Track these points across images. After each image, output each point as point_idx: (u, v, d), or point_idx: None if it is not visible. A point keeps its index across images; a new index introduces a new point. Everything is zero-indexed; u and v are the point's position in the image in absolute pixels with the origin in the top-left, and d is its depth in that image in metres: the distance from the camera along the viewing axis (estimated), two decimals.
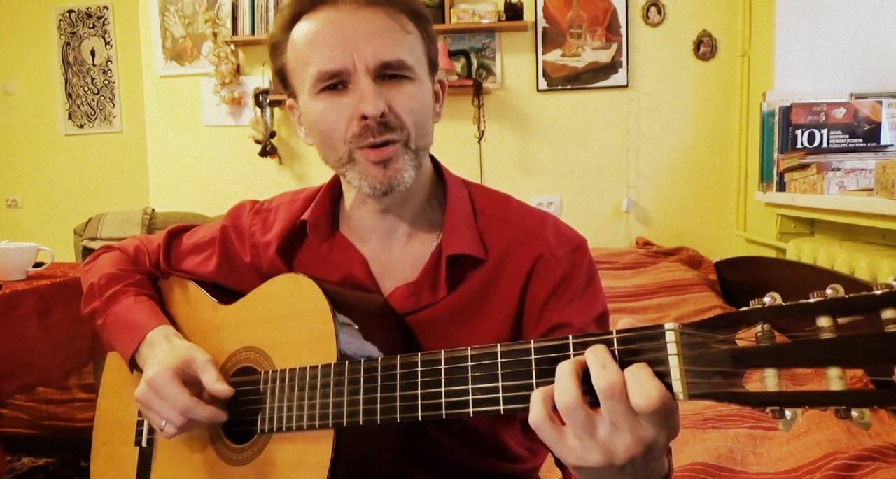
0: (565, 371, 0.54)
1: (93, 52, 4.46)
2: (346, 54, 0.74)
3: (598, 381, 0.52)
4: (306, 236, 0.88)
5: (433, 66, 0.83)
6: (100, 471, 1.00)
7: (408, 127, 0.76)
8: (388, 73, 0.76)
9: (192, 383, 0.81)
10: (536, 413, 0.55)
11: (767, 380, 0.48)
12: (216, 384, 0.80)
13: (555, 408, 0.55)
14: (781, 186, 2.36)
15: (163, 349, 0.85)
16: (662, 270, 2.62)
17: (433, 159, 0.90)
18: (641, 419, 0.52)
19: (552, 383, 0.57)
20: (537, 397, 0.56)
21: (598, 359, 0.53)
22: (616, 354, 0.54)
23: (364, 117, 0.74)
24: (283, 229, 0.90)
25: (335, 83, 0.76)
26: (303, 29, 0.78)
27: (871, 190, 1.81)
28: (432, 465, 0.83)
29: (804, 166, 2.21)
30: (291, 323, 0.80)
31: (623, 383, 0.52)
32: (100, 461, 1.01)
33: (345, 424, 0.71)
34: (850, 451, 1.24)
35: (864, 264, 1.78)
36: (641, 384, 0.51)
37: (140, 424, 0.95)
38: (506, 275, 0.81)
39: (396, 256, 0.86)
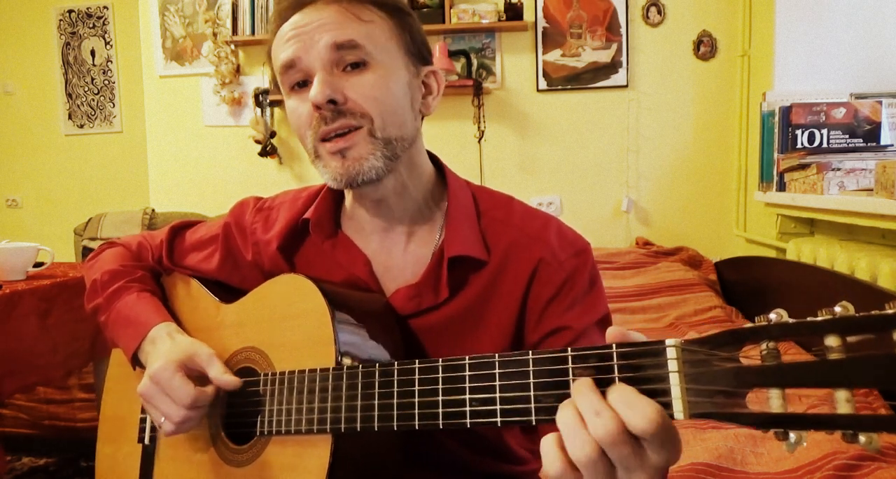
0: (571, 420, 0.51)
1: (93, 52, 4.45)
2: (299, 45, 0.76)
3: (596, 431, 0.50)
4: (308, 235, 0.88)
5: (417, 57, 0.82)
6: (103, 468, 1.00)
7: (370, 114, 0.76)
8: (349, 62, 0.76)
9: (195, 378, 0.81)
10: (557, 467, 0.52)
11: (771, 400, 0.46)
12: (223, 376, 0.80)
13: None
14: (781, 186, 2.36)
15: (166, 345, 0.85)
16: (662, 270, 2.62)
17: (435, 160, 0.89)
18: (649, 451, 0.50)
19: (550, 396, 0.56)
20: (552, 447, 0.52)
21: (590, 406, 0.51)
22: (615, 369, 0.53)
23: (317, 107, 0.75)
24: (285, 227, 0.89)
25: (301, 80, 0.78)
26: (277, 37, 0.80)
27: (871, 190, 1.80)
28: (434, 466, 0.83)
29: (804, 166, 2.21)
30: (291, 324, 0.79)
31: (621, 428, 0.50)
32: (103, 457, 1.01)
33: (342, 429, 0.70)
34: (850, 451, 1.24)
35: (864, 264, 1.77)
36: (636, 409, 0.49)
37: (143, 421, 0.95)
38: (508, 278, 0.80)
39: (397, 256, 0.85)
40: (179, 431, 0.81)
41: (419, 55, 0.83)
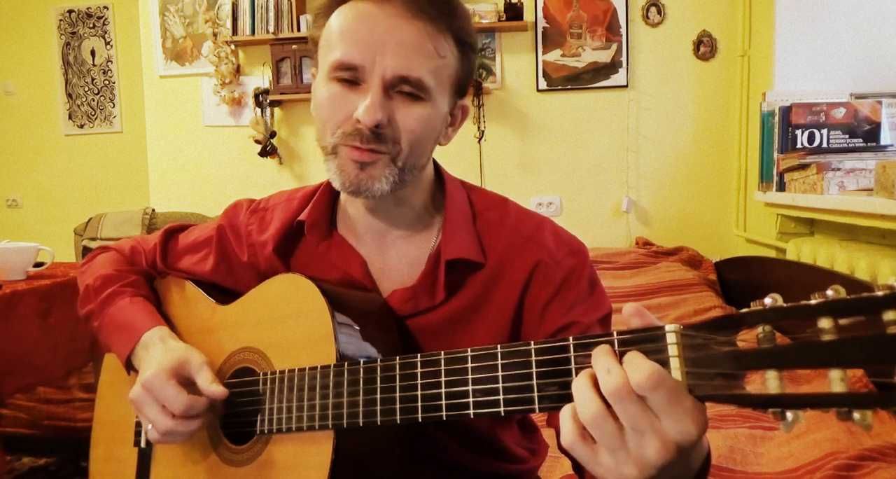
0: (582, 384, 0.54)
1: (93, 52, 4.45)
2: (368, 54, 0.73)
3: (605, 386, 0.52)
4: (304, 236, 0.88)
5: (459, 91, 0.81)
6: (99, 471, 1.00)
7: (401, 144, 0.75)
8: (404, 90, 0.74)
9: (187, 385, 0.80)
10: (568, 432, 0.54)
11: (769, 382, 0.48)
12: (211, 386, 0.79)
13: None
14: (781, 186, 2.36)
15: (158, 351, 0.84)
16: (662, 270, 2.62)
17: (433, 162, 0.89)
18: (658, 414, 0.51)
19: (553, 384, 0.57)
20: (567, 415, 0.54)
21: (602, 365, 0.53)
22: (617, 355, 0.54)
23: (359, 121, 0.74)
24: (280, 229, 0.89)
25: (350, 78, 0.75)
26: (342, 14, 0.76)
27: (871, 190, 1.80)
28: (432, 465, 0.83)
29: (804, 166, 2.20)
30: (290, 323, 0.79)
31: (627, 382, 0.51)
32: (99, 461, 1.00)
33: (345, 425, 0.70)
34: (850, 451, 1.24)
35: (864, 264, 1.78)
36: (639, 367, 0.51)
37: (139, 424, 0.95)
38: (504, 280, 0.81)
39: (393, 257, 0.85)
40: (164, 441, 0.80)
41: (462, 90, 0.82)
